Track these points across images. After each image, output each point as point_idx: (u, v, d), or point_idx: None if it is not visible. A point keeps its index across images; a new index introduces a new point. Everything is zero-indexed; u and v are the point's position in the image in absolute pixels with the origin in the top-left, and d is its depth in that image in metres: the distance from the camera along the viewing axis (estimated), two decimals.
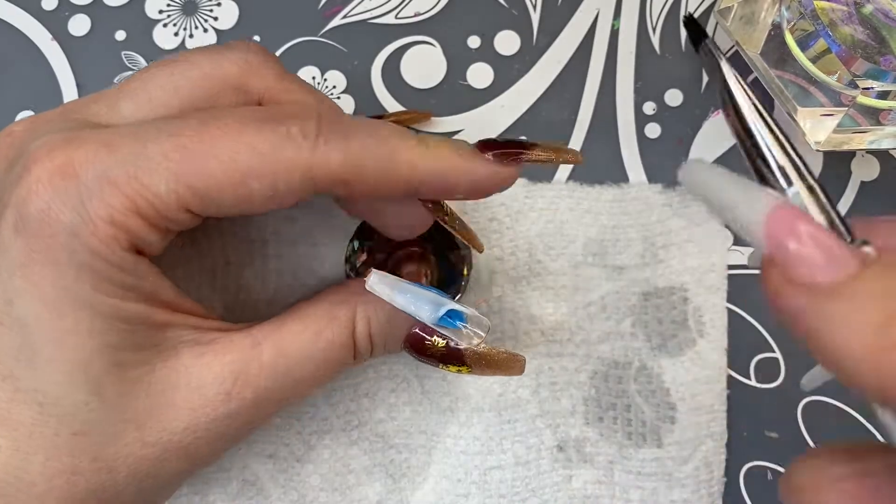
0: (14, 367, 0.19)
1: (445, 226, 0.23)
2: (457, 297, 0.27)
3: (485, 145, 0.20)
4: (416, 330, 0.22)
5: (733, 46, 0.30)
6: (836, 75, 0.25)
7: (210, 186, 0.18)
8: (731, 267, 0.29)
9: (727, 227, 0.17)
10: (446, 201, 0.23)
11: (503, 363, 0.22)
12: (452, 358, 0.21)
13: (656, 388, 0.28)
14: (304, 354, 0.21)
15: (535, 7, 0.31)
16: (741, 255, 0.29)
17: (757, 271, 0.29)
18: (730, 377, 0.28)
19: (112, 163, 0.18)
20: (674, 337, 0.28)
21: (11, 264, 0.18)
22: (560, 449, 0.27)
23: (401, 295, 0.21)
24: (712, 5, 0.31)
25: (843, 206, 0.29)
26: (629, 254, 0.28)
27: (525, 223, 0.29)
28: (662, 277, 0.28)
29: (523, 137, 0.21)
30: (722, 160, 0.30)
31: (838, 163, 0.30)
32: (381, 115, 0.28)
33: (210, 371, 0.20)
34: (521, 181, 0.29)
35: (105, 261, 0.18)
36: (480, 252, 0.26)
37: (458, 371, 0.22)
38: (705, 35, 0.19)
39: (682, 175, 0.19)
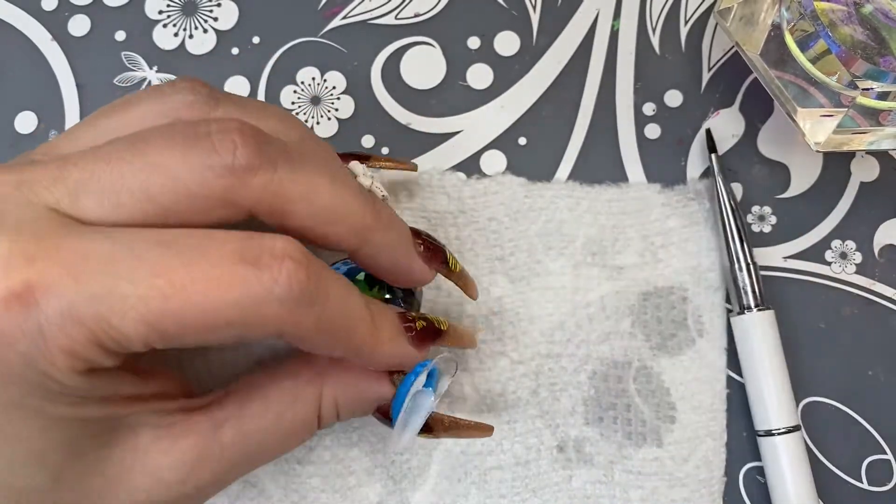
0: None
1: (450, 279, 0.24)
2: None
3: (409, 325, 0.22)
4: (388, 402, 0.23)
5: (733, 47, 0.30)
6: (836, 76, 0.25)
7: (180, 332, 0.17)
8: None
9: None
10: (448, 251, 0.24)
11: (469, 431, 0.24)
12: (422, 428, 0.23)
13: (656, 387, 0.28)
14: (266, 435, 0.21)
15: (534, 8, 0.31)
16: None
17: (765, 272, 0.29)
18: (729, 378, 0.28)
19: (78, 298, 0.16)
20: (673, 336, 0.28)
21: None
22: (560, 449, 0.27)
23: (411, 430, 0.22)
24: (712, 6, 0.31)
25: (843, 207, 0.29)
26: (628, 253, 0.29)
27: (524, 223, 0.29)
28: (662, 277, 0.28)
29: (442, 324, 0.23)
30: (721, 160, 0.30)
31: (838, 164, 0.30)
32: (368, 155, 0.26)
33: (167, 456, 0.20)
34: (520, 181, 0.29)
35: (58, 383, 0.17)
36: (475, 299, 0.26)
37: (426, 437, 0.23)
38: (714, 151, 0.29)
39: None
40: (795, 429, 0.27)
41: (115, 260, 0.17)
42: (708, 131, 0.29)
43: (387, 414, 0.23)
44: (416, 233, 0.23)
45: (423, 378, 0.22)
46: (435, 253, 0.23)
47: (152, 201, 0.18)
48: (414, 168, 0.28)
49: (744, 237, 0.28)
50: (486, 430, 0.24)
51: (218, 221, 0.19)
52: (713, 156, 0.29)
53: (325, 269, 0.19)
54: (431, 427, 0.23)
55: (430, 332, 0.23)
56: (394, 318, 0.22)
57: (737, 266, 0.28)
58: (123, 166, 0.18)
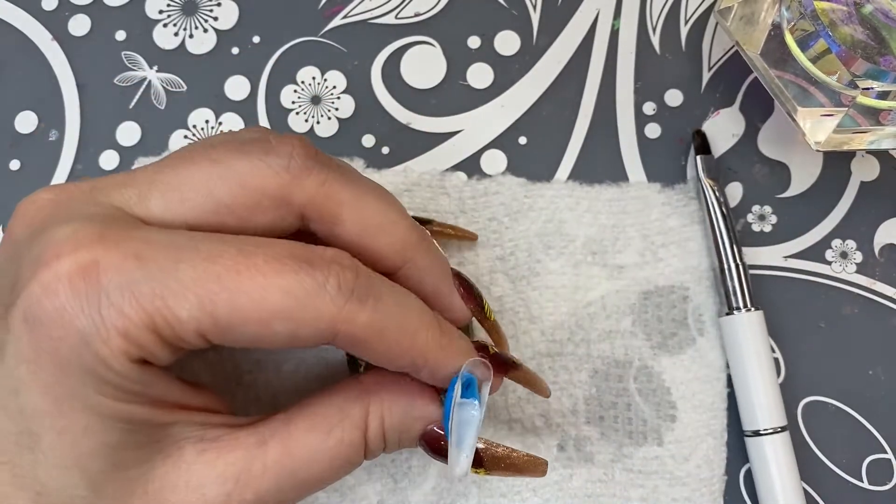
0: (14, 454, 0.18)
1: (483, 325, 0.24)
2: None
3: (482, 348, 0.22)
4: (433, 428, 0.21)
5: (733, 47, 0.30)
6: (836, 75, 0.25)
7: (234, 321, 0.18)
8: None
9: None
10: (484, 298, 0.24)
11: (522, 465, 0.22)
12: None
13: (657, 386, 0.28)
14: (312, 454, 0.20)
15: (535, 7, 0.31)
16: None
17: (758, 272, 0.29)
18: (729, 377, 0.28)
19: (139, 276, 0.17)
20: (674, 335, 0.28)
21: (19, 354, 0.18)
22: (560, 448, 0.27)
23: (467, 448, 0.21)
24: (712, 5, 0.31)
25: (843, 206, 0.29)
26: (629, 253, 0.29)
27: (525, 222, 0.29)
28: (662, 276, 0.28)
29: (514, 357, 0.23)
30: (721, 160, 0.30)
31: (838, 163, 0.30)
32: (429, 220, 0.27)
33: (212, 470, 0.20)
34: (520, 181, 0.29)
35: (111, 370, 0.18)
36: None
37: (475, 472, 0.22)
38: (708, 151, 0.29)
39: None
40: (783, 429, 0.27)
41: (176, 247, 0.18)
42: (696, 133, 0.29)
43: (432, 444, 0.22)
44: (454, 272, 0.23)
45: (458, 388, 0.21)
46: (470, 292, 0.23)
47: (212, 196, 0.19)
48: (474, 237, 0.28)
49: (733, 238, 0.28)
50: (539, 466, 0.22)
51: (271, 222, 0.20)
52: (699, 158, 0.29)
53: (378, 276, 0.20)
54: (483, 460, 0.21)
55: (504, 360, 0.22)
56: (465, 337, 0.22)
57: (725, 267, 0.28)
58: (190, 166, 0.20)
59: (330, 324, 0.18)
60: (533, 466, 0.22)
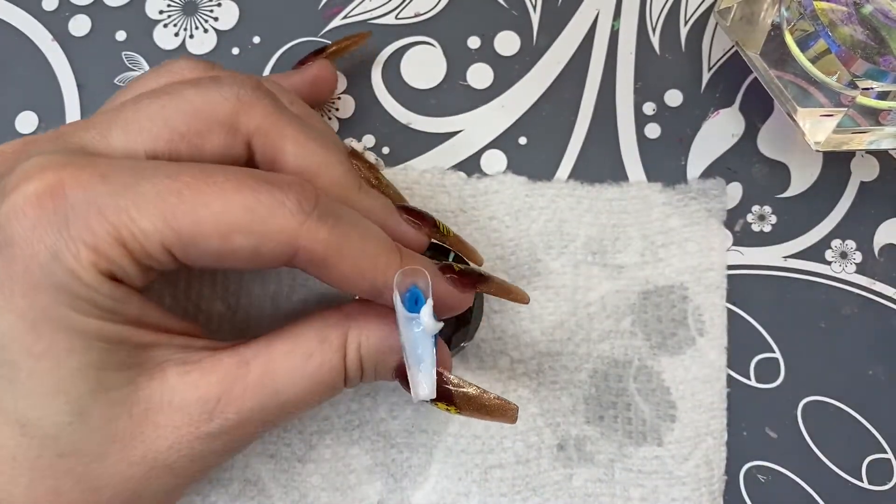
0: None
1: (445, 244, 0.24)
2: (467, 341, 0.27)
3: (446, 268, 0.22)
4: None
5: (733, 47, 0.31)
6: (836, 76, 0.25)
7: (195, 233, 0.18)
8: (730, 266, 0.29)
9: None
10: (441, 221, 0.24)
11: (493, 409, 0.21)
12: (441, 397, 0.21)
13: (656, 386, 0.28)
14: (293, 376, 0.21)
15: (534, 7, 0.31)
16: (741, 255, 0.29)
17: (757, 272, 0.29)
18: (729, 377, 0.28)
19: (103, 191, 0.18)
20: (673, 335, 0.28)
21: None
22: (560, 448, 0.27)
23: (426, 368, 0.20)
24: (712, 6, 0.31)
25: (843, 206, 0.29)
26: (629, 252, 0.29)
27: (525, 222, 0.29)
28: (662, 276, 0.28)
29: (482, 270, 0.23)
30: (721, 160, 0.30)
31: (838, 163, 0.30)
32: (324, 46, 0.28)
33: (195, 390, 0.20)
34: (521, 180, 0.29)
35: (83, 284, 0.18)
36: (480, 265, 0.25)
37: (447, 410, 0.21)
38: None
39: None
40: None
41: (139, 169, 0.19)
42: None
43: (404, 377, 0.21)
44: (401, 207, 0.23)
45: (398, 300, 0.20)
46: (422, 218, 0.23)
47: (167, 124, 0.20)
48: (368, 34, 0.29)
49: None
50: (509, 411, 0.21)
51: (221, 149, 0.21)
52: None
53: (338, 202, 0.20)
54: (454, 398, 0.21)
55: (469, 272, 0.22)
56: (427, 260, 0.22)
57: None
58: (147, 100, 0.21)
59: (290, 238, 0.19)
60: (503, 411, 0.21)
